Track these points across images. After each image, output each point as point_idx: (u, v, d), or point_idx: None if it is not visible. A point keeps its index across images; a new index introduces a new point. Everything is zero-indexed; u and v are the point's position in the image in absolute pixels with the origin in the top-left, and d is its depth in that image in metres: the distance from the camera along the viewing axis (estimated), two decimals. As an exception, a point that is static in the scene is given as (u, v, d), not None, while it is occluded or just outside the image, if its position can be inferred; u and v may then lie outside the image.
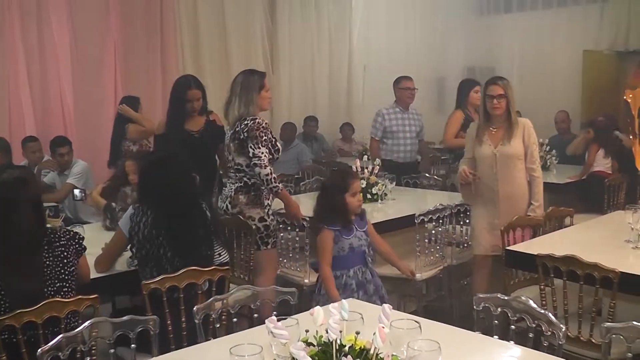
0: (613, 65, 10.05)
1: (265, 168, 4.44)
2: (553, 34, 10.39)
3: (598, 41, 10.03)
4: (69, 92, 7.21)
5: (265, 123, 4.55)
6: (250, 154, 4.47)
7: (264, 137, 4.48)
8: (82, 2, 7.33)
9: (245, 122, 4.49)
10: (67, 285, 3.17)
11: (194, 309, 2.81)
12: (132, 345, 2.67)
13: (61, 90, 7.18)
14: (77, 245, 3.26)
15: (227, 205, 4.60)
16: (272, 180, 4.48)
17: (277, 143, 4.65)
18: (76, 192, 4.95)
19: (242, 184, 4.58)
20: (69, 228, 3.53)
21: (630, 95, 10.03)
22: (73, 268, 3.21)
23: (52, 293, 3.07)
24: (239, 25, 8.80)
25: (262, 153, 4.44)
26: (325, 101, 10.06)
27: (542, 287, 3.58)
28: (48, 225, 3.32)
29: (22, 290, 3.01)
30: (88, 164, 6.48)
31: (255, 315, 2.93)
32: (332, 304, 2.02)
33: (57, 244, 3.18)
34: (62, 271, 3.15)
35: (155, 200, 3.57)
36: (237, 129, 4.53)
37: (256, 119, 4.50)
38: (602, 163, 6.89)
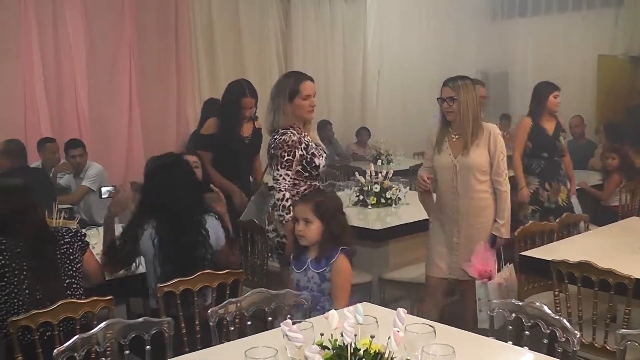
0: (628, 70, 10.00)
1: (279, 192, 4.03)
2: (568, 38, 10.37)
3: (613, 46, 10.00)
4: (84, 95, 7.24)
5: (294, 139, 4.04)
6: (271, 174, 4.18)
7: (286, 158, 4.01)
8: (97, 6, 7.38)
9: (275, 137, 4.10)
10: (76, 281, 3.29)
11: (209, 311, 2.82)
12: (147, 347, 2.68)
13: (76, 93, 7.22)
14: (80, 242, 3.37)
15: (266, 221, 4.33)
16: (281, 207, 4.01)
17: (316, 158, 4.13)
18: (103, 189, 4.94)
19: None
20: (71, 227, 3.59)
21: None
22: (79, 264, 3.34)
23: (63, 290, 3.18)
24: (254, 29, 8.82)
25: (280, 175, 4.02)
26: (339, 105, 10.07)
27: (556, 293, 3.56)
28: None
29: (41, 290, 3.11)
30: (102, 166, 6.51)
31: (270, 318, 2.93)
32: (346, 307, 2.02)
33: (62, 241, 3.29)
34: (70, 267, 3.28)
35: (159, 207, 3.56)
36: (269, 142, 4.17)
37: (285, 134, 4.04)
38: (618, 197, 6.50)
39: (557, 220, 4.61)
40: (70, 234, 3.35)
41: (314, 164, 4.12)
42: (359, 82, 10.32)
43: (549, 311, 2.59)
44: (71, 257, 3.28)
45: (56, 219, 4.63)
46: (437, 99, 4.25)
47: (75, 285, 3.27)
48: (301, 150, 4.08)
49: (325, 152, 4.26)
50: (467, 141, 4.17)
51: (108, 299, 3.00)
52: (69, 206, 5.87)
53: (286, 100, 4.07)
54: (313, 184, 4.15)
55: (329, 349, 1.93)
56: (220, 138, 5.08)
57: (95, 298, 3.00)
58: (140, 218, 3.58)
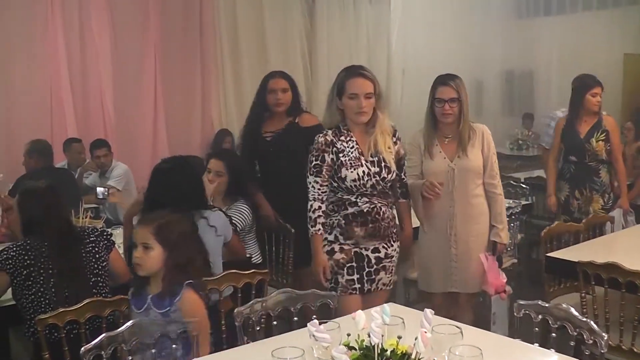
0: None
1: (309, 200, 3.62)
2: (593, 36, 10.25)
3: (639, 44, 9.88)
4: (109, 96, 7.29)
5: (325, 140, 3.60)
6: None
7: (314, 162, 3.59)
8: (122, 5, 7.42)
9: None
10: (102, 280, 3.34)
11: (235, 311, 2.84)
12: (174, 346, 2.70)
13: (102, 94, 7.26)
14: (106, 241, 3.43)
15: None
16: (309, 218, 3.61)
17: (345, 169, 3.55)
18: (99, 190, 4.98)
19: None
20: (94, 226, 3.65)
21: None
22: (105, 263, 3.38)
23: (89, 289, 3.25)
24: (278, 29, 8.82)
25: (309, 183, 3.61)
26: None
27: (582, 294, 3.53)
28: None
29: (67, 289, 3.19)
30: (128, 166, 6.56)
31: (295, 318, 2.94)
32: (373, 308, 2.02)
33: (87, 240, 3.35)
34: (96, 266, 3.33)
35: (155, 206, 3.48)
36: None
37: (320, 135, 3.64)
38: None
39: (583, 221, 4.56)
40: (96, 234, 3.41)
41: (339, 175, 3.57)
42: (384, 82, 10.25)
43: (576, 313, 2.58)
44: (97, 256, 3.33)
45: (82, 218, 4.69)
46: (435, 99, 3.91)
47: (101, 284, 3.32)
48: (332, 154, 3.59)
49: (374, 167, 3.59)
50: (465, 143, 3.93)
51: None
52: (95, 206, 5.93)
53: (334, 97, 3.63)
54: (345, 197, 3.60)
55: (355, 349, 1.93)
56: (242, 135, 4.82)
57: (122, 296, 3.03)
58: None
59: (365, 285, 3.61)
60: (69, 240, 3.30)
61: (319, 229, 3.57)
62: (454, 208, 3.94)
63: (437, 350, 1.95)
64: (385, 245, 3.67)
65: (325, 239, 3.63)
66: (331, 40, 9.49)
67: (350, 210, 3.59)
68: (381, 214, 3.62)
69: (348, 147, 3.59)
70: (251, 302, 2.89)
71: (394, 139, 3.72)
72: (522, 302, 2.76)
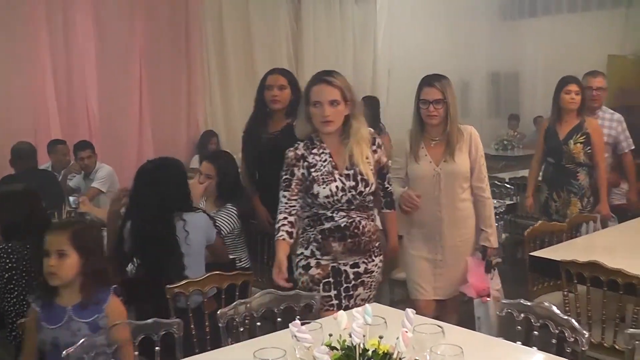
0: (637, 70, 9.95)
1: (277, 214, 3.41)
2: (577, 38, 10.31)
3: (623, 46, 9.96)
4: (94, 97, 7.29)
5: (295, 154, 3.38)
6: None
7: (284, 177, 3.38)
8: (107, 8, 7.43)
9: None
10: None
11: (218, 312, 2.83)
12: (157, 348, 2.69)
13: (87, 96, 7.27)
14: None
15: None
16: (275, 229, 3.37)
17: (317, 185, 3.32)
18: (71, 199, 4.97)
19: None
20: None
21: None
22: None
23: None
24: (264, 31, 8.84)
25: (282, 196, 3.38)
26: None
27: (565, 293, 3.56)
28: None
29: None
30: (113, 168, 6.54)
31: (279, 319, 2.94)
32: (355, 308, 2.02)
33: None
34: None
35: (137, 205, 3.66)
36: None
37: (291, 149, 3.41)
38: (622, 194, 6.07)
39: (566, 221, 4.58)
40: None
41: (312, 191, 3.34)
42: (370, 83, 10.32)
43: (557, 311, 2.59)
44: None
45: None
46: (420, 100, 3.78)
47: None
48: (302, 169, 3.37)
49: (349, 180, 3.33)
50: (453, 146, 3.77)
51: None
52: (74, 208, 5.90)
53: (303, 105, 3.40)
54: (321, 212, 3.37)
55: (337, 349, 1.93)
56: (243, 135, 4.68)
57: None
58: (125, 216, 3.69)
59: (343, 301, 3.36)
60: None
61: (282, 235, 3.28)
62: (441, 213, 3.82)
63: (418, 349, 1.95)
64: (366, 260, 3.44)
65: (302, 253, 3.44)
66: (317, 41, 9.52)
67: (327, 225, 3.36)
68: (360, 228, 3.38)
69: (320, 160, 3.36)
70: (235, 303, 2.89)
71: (374, 147, 3.44)
72: (504, 301, 2.78)
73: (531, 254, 3.99)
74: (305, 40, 9.41)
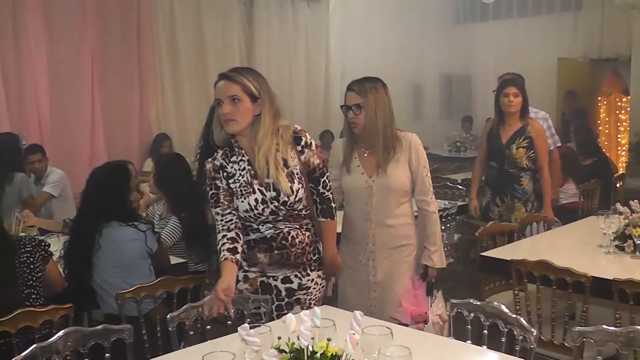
0: (587, 72, 10.17)
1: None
2: (528, 42, 10.51)
3: (572, 49, 10.16)
4: (45, 101, 7.18)
5: (213, 166, 3.07)
6: None
7: (210, 193, 3.09)
8: (58, 10, 7.32)
9: None
10: (35, 291, 3.26)
11: (168, 316, 2.80)
12: (107, 355, 2.66)
13: (37, 99, 7.15)
14: (42, 252, 3.34)
15: None
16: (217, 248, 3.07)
17: (237, 198, 3.02)
18: (18, 215, 4.92)
19: None
20: (34, 236, 3.58)
21: (605, 102, 10.18)
22: (40, 274, 3.31)
23: (21, 300, 3.13)
24: (217, 33, 8.81)
25: (215, 214, 3.09)
26: (303, 109, 10.07)
27: (516, 292, 3.61)
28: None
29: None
30: (65, 172, 6.44)
31: (229, 322, 2.93)
32: (304, 311, 2.02)
33: (22, 250, 3.26)
34: (30, 277, 3.24)
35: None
36: None
37: (209, 160, 3.10)
38: (571, 194, 6.45)
39: (517, 221, 4.64)
40: (33, 244, 3.32)
41: (226, 208, 3.04)
42: (322, 85, 10.35)
43: (506, 310, 2.62)
44: (31, 267, 3.24)
45: (15, 227, 4.58)
46: (341, 106, 3.52)
47: (34, 296, 3.24)
48: (223, 179, 3.06)
49: (269, 190, 2.98)
50: (385, 156, 3.44)
51: (67, 307, 2.98)
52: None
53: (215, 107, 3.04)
54: (247, 224, 3.07)
55: (286, 352, 1.93)
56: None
57: (55, 306, 2.97)
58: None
59: (275, 320, 2.90)
60: (1, 250, 3.22)
61: (224, 256, 2.96)
62: (373, 230, 3.51)
63: (367, 351, 1.96)
64: (299, 275, 3.11)
65: None
66: (270, 43, 9.53)
67: (252, 236, 3.08)
68: (289, 239, 3.05)
69: (239, 169, 3.03)
70: (184, 307, 2.86)
71: (299, 147, 3.04)
72: (454, 300, 2.80)
73: (482, 254, 4.04)
74: (258, 42, 9.40)
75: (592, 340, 2.44)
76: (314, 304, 3.12)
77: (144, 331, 3.19)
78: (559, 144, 5.80)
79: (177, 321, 2.79)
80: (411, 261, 3.58)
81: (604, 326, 2.42)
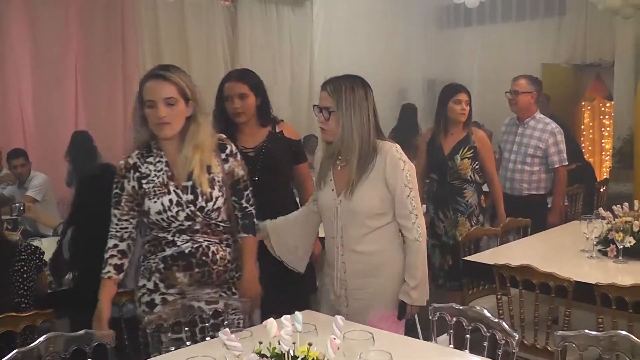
0: (571, 78, 10.21)
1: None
2: (512, 47, 10.52)
3: (556, 54, 10.19)
4: (28, 105, 7.16)
5: (126, 165, 2.90)
6: None
7: (114, 191, 2.91)
8: (42, 15, 7.30)
9: None
10: (25, 301, 3.21)
11: (145, 319, 2.76)
12: (88, 360, 2.64)
13: (21, 103, 7.12)
14: (37, 261, 3.29)
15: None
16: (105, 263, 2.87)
17: (149, 200, 2.83)
18: (13, 207, 4.89)
19: None
20: (29, 242, 3.54)
21: (589, 107, 10.24)
22: (32, 284, 3.26)
23: (11, 309, 3.05)
24: (200, 37, 8.81)
25: (113, 215, 2.91)
26: (287, 113, 10.05)
27: (499, 296, 3.62)
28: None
29: None
30: (48, 176, 6.41)
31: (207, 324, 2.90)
32: (285, 315, 2.01)
33: (17, 258, 3.19)
34: (22, 286, 3.18)
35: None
36: None
37: (122, 158, 2.94)
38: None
39: (500, 225, 4.64)
40: (29, 251, 3.28)
41: (142, 208, 2.86)
42: (307, 90, 10.34)
43: (488, 314, 2.63)
44: (24, 276, 3.20)
45: (12, 213, 4.57)
46: (313, 106, 3.02)
47: (24, 305, 3.20)
48: (133, 180, 2.87)
49: (186, 194, 2.82)
50: (352, 174, 2.92)
51: (49, 312, 2.95)
52: (13, 217, 5.77)
53: (136, 107, 2.87)
54: (161, 235, 2.88)
55: (267, 357, 1.93)
56: None
57: (36, 311, 2.94)
58: (66, 224, 3.68)
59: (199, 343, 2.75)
60: None
61: (108, 272, 2.82)
62: (344, 257, 3.02)
63: (349, 356, 1.96)
64: (225, 295, 2.94)
65: (144, 286, 2.90)
66: (254, 47, 9.53)
67: (169, 251, 2.85)
68: (210, 255, 2.86)
69: (155, 170, 2.85)
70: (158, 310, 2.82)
71: (223, 156, 2.92)
72: (436, 305, 2.80)
73: (465, 258, 4.05)
74: (242, 47, 9.39)
75: (574, 345, 2.44)
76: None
77: (125, 336, 3.16)
78: (566, 163, 5.31)
79: (153, 324, 2.76)
80: (383, 295, 3.02)
81: (587, 330, 2.43)
